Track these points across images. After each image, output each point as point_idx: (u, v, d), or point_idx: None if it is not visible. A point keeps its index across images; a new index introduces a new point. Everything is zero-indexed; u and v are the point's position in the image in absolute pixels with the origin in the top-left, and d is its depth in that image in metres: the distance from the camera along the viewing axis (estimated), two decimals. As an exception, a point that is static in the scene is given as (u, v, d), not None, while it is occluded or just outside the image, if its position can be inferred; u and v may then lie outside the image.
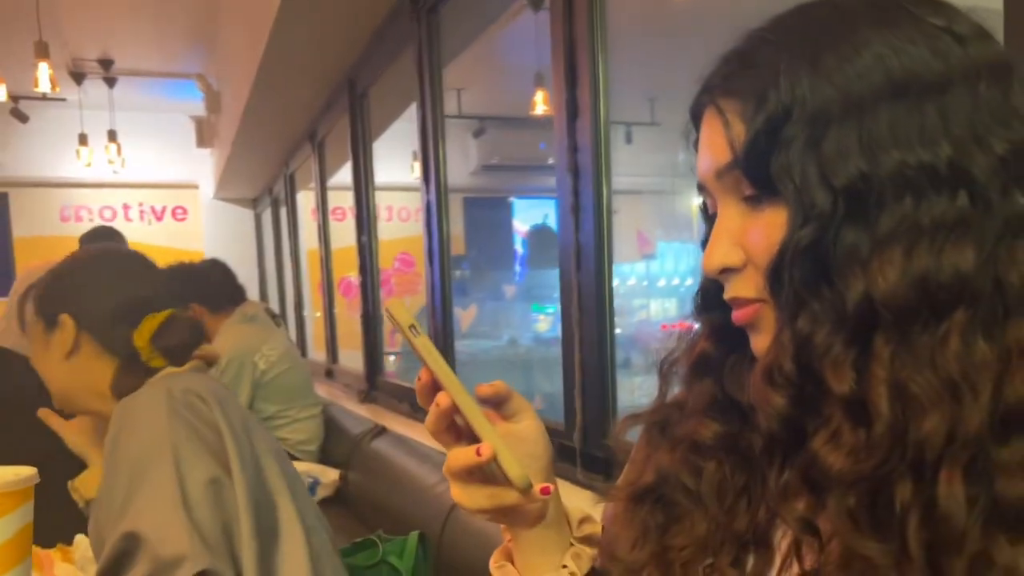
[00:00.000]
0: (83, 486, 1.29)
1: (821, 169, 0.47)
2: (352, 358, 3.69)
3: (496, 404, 0.62)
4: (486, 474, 0.58)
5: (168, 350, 1.21)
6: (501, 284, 5.43)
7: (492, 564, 0.68)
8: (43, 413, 1.30)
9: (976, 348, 0.45)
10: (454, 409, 0.57)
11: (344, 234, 3.72)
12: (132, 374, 1.19)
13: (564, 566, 0.64)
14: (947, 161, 0.45)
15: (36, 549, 1.09)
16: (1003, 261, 0.45)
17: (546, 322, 4.44)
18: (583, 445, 1.62)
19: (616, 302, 1.60)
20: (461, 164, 5.53)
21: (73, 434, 1.31)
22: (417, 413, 2.59)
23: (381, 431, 2.52)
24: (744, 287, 0.54)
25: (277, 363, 2.77)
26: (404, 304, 0.56)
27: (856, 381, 0.47)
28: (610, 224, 1.52)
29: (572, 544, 0.65)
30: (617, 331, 1.59)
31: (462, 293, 4.62)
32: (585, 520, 0.68)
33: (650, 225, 5.39)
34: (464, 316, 4.36)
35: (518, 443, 0.61)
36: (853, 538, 0.47)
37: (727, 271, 0.54)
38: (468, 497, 0.58)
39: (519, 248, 6.30)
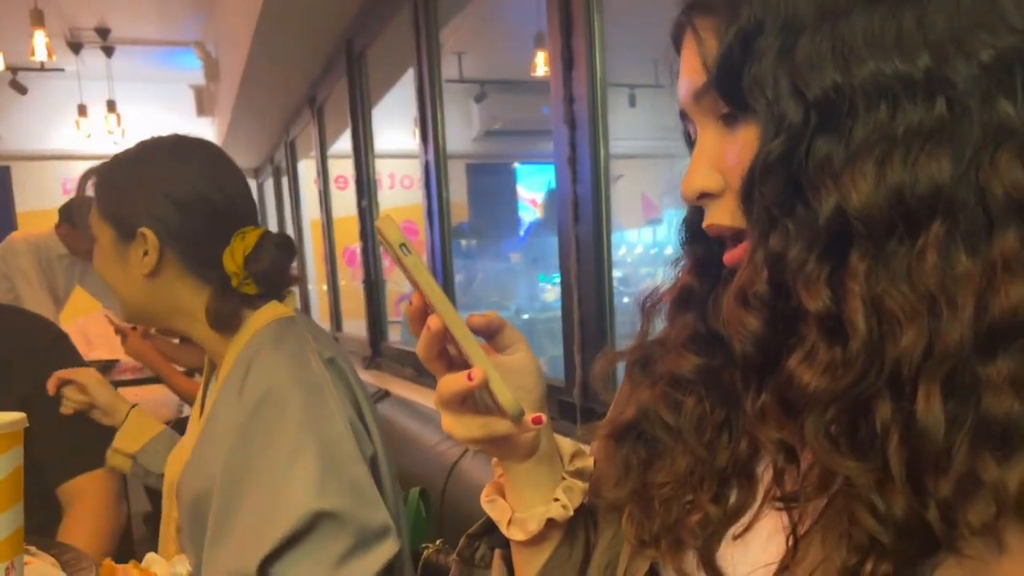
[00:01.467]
0: (125, 442, 1.27)
1: (793, 80, 0.46)
2: (357, 327, 3.69)
3: (488, 335, 0.61)
4: (478, 403, 0.57)
5: (262, 275, 1.05)
6: (506, 251, 5.41)
7: (483, 498, 0.67)
8: (63, 373, 1.25)
9: (957, 261, 0.43)
10: (445, 334, 0.55)
11: (347, 203, 3.69)
12: (228, 300, 1.06)
13: (556, 499, 0.63)
14: (925, 70, 0.44)
15: (111, 563, 1.04)
16: (985, 171, 0.44)
17: (553, 292, 4.41)
18: (583, 401, 1.62)
19: (624, 270, 1.58)
20: (463, 130, 5.48)
21: (101, 387, 1.28)
22: (421, 377, 2.59)
23: (385, 395, 2.52)
24: (722, 214, 0.53)
25: None
26: (395, 222, 0.54)
27: (831, 299, 0.45)
28: (607, 176, 1.50)
29: (564, 478, 0.65)
30: (624, 300, 1.57)
31: (466, 260, 4.60)
32: (577, 454, 0.67)
33: (656, 190, 5.34)
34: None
35: (511, 375, 0.60)
36: (831, 458, 0.46)
37: (706, 196, 0.53)
38: (460, 426, 0.57)
39: (523, 215, 6.27)
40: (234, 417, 0.99)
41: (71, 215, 3.35)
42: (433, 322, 0.55)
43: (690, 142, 0.58)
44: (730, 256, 0.53)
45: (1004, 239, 0.43)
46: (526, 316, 4.34)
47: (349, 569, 0.92)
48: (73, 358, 1.41)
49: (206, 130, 6.06)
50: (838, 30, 0.45)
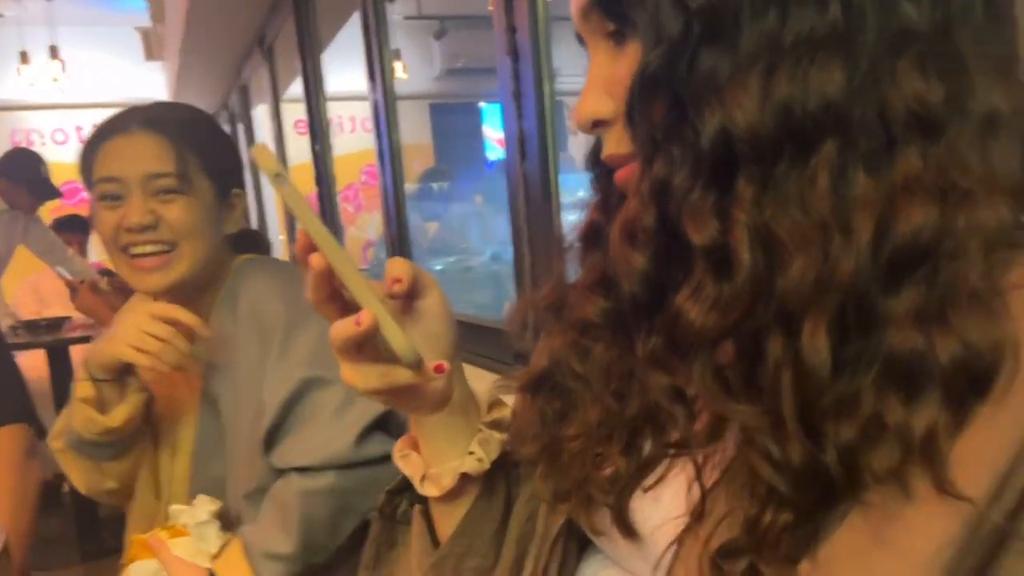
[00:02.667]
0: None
1: None
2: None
3: (404, 294, 0.55)
4: (377, 351, 0.52)
5: None
6: (473, 195, 5.31)
7: (395, 453, 0.63)
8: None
9: (855, 183, 0.40)
10: (332, 275, 0.50)
11: (306, 148, 3.59)
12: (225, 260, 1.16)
13: (471, 452, 0.60)
14: None
15: (137, 537, 1.07)
16: (884, 83, 0.40)
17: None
18: (534, 346, 1.58)
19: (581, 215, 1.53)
20: (423, 68, 5.33)
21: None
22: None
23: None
24: (617, 142, 0.48)
25: None
26: (269, 150, 0.49)
27: (718, 230, 0.41)
28: (553, 110, 1.43)
29: (480, 430, 0.61)
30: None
31: (434, 204, 4.51)
32: (495, 404, 0.63)
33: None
34: (429, 229, 4.26)
35: (419, 320, 0.56)
36: (721, 402, 0.43)
37: (599, 125, 0.49)
38: (359, 376, 0.52)
39: (492, 156, 6.16)
40: (234, 340, 1.10)
41: (8, 169, 3.21)
42: (315, 261, 0.49)
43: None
44: (620, 175, 0.49)
45: (906, 158, 0.40)
46: (504, 261, 4.27)
47: (345, 415, 1.03)
48: None
49: (156, 75, 5.86)
50: None
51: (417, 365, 0.50)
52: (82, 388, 1.07)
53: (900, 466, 0.39)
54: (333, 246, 0.49)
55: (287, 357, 1.05)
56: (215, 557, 1.05)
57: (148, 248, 1.04)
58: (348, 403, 1.03)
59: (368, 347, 0.51)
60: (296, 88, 3.78)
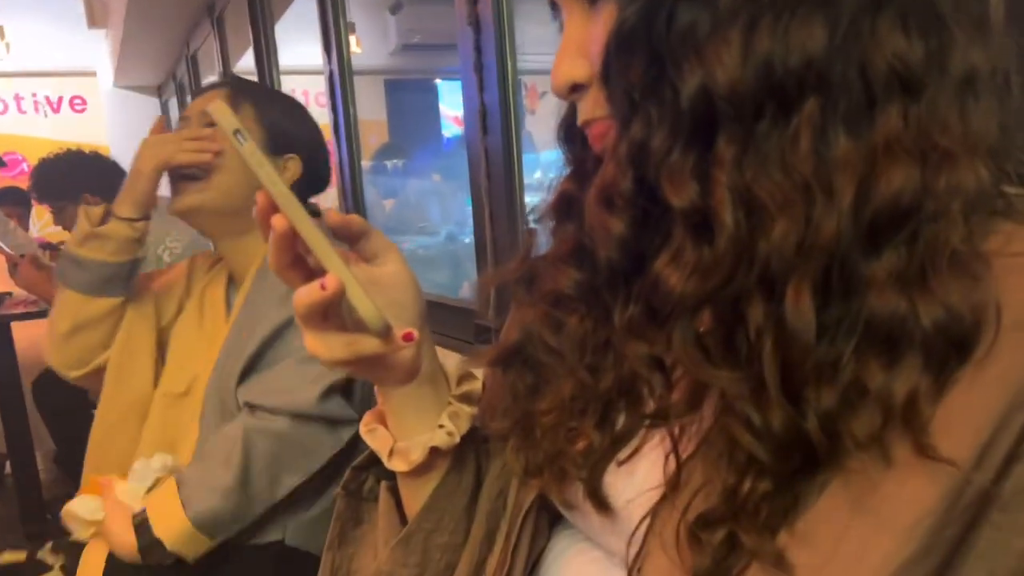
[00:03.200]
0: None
1: None
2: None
3: (350, 239, 0.54)
4: (343, 319, 0.50)
5: None
6: (430, 173, 5.25)
7: (362, 427, 0.61)
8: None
9: (836, 144, 0.39)
10: (295, 238, 0.48)
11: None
12: None
13: (440, 426, 0.58)
14: None
15: (95, 477, 1.12)
16: (865, 41, 0.39)
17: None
18: (498, 323, 1.57)
19: (541, 195, 1.51)
20: (379, 44, 5.23)
21: None
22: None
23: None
24: (594, 106, 0.47)
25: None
26: (227, 107, 0.46)
27: (698, 192, 0.40)
28: (516, 83, 1.41)
29: (450, 403, 0.60)
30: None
31: (389, 181, 4.44)
32: (465, 377, 0.62)
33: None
34: (386, 206, 4.21)
35: (383, 289, 0.54)
36: (701, 369, 0.42)
37: (576, 90, 0.48)
38: (324, 346, 0.50)
39: (448, 134, 6.09)
40: (266, 305, 1.18)
41: None
42: (278, 222, 0.47)
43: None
44: (594, 134, 0.48)
45: (887, 118, 0.39)
46: (463, 240, 4.24)
47: (312, 366, 1.09)
48: None
49: (99, 44, 5.64)
50: None
51: (385, 333, 0.49)
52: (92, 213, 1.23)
53: (881, 432, 0.38)
54: (296, 208, 0.47)
55: (270, 299, 1.14)
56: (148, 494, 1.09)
57: (189, 171, 1.20)
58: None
59: (334, 315, 0.49)
60: (247, 60, 3.68)
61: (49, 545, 1.19)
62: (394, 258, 0.55)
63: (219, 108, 0.46)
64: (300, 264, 0.50)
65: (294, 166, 1.24)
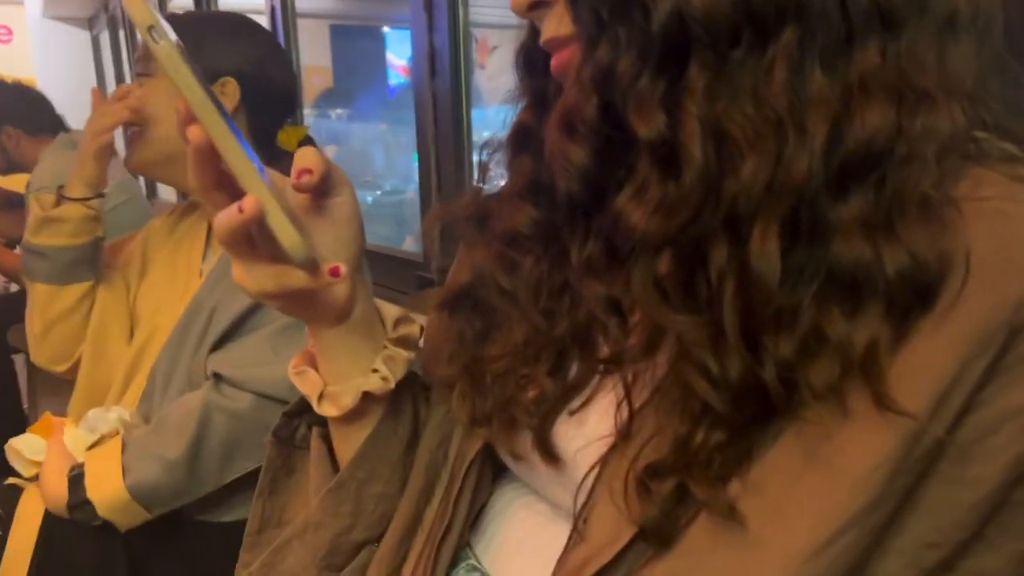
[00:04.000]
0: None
1: None
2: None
3: (313, 190, 0.49)
4: (273, 251, 0.46)
5: None
6: (376, 124, 5.13)
7: (291, 369, 0.58)
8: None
9: (812, 79, 0.37)
10: (213, 149, 0.43)
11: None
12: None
13: (375, 370, 0.55)
14: None
15: (50, 416, 1.09)
16: None
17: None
18: (441, 277, 1.54)
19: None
20: (325, -15, 5.06)
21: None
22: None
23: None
24: (559, 24, 0.45)
25: (111, 195, 2.49)
26: (144, 1, 0.41)
27: (666, 124, 0.38)
28: (467, 25, 1.36)
29: (385, 346, 0.56)
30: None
31: (333, 131, 4.33)
32: (402, 320, 0.58)
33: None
34: (328, 153, 4.11)
35: (326, 221, 0.50)
36: (660, 312, 0.40)
37: (537, 6, 0.45)
38: (250, 278, 0.47)
39: (395, 84, 5.95)
40: None
41: None
42: (195, 134, 0.43)
43: None
44: (556, 61, 0.45)
45: (865, 54, 0.38)
46: (407, 194, 4.17)
47: (288, 342, 1.04)
48: None
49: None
50: None
51: (309, 265, 0.45)
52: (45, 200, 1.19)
53: (839, 381, 0.37)
54: (215, 119, 0.42)
55: None
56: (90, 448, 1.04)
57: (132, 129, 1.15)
58: (296, 328, 1.03)
59: (262, 245, 0.46)
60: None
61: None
62: (344, 190, 0.51)
63: (133, 3, 0.41)
64: (225, 185, 0.46)
65: (231, 90, 1.13)
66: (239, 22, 1.19)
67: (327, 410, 0.55)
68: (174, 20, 1.16)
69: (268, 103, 1.17)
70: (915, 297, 0.37)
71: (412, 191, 4.22)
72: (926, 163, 0.37)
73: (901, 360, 0.37)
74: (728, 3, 0.37)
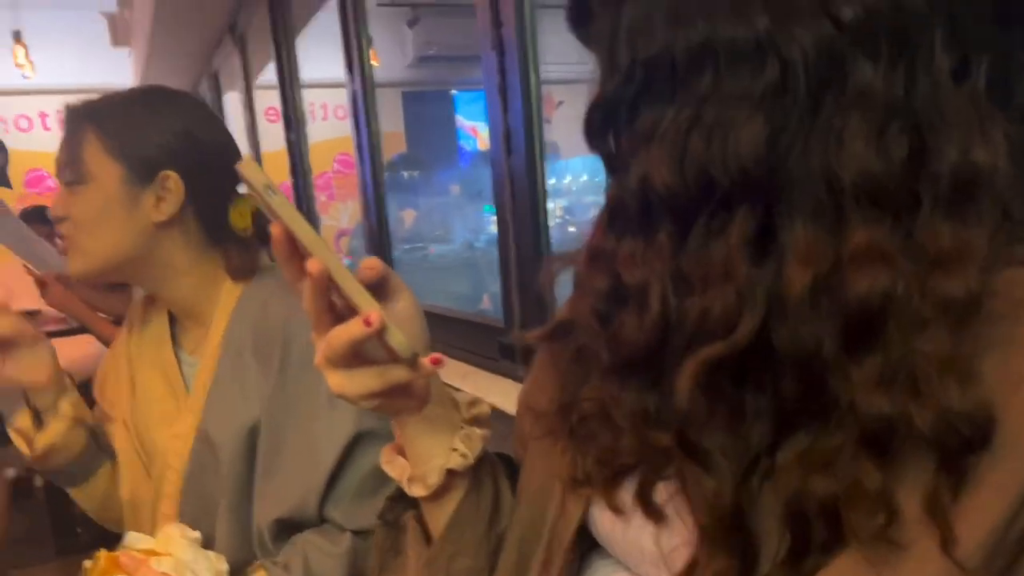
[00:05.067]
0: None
1: (627, 39, 0.44)
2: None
3: (376, 284, 0.56)
4: (369, 354, 0.52)
5: (264, 234, 1.01)
6: (447, 183, 5.28)
7: (383, 461, 0.64)
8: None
9: (792, 240, 0.41)
10: (330, 281, 0.50)
11: (280, 136, 3.55)
12: (249, 251, 1.04)
13: (454, 449, 0.60)
14: (763, 33, 0.40)
15: (107, 553, 0.94)
16: (831, 146, 0.40)
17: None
18: (522, 341, 1.58)
19: (568, 199, 1.54)
20: (396, 56, 5.28)
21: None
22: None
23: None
24: None
25: None
26: (255, 163, 0.49)
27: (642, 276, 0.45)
28: (539, 105, 1.43)
29: (462, 427, 0.62)
30: (571, 230, 1.52)
31: (406, 193, 4.48)
32: (474, 402, 0.64)
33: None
34: (405, 218, 4.24)
35: (397, 323, 0.55)
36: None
37: None
38: (353, 382, 0.52)
39: (464, 145, 6.12)
40: (261, 364, 0.99)
41: None
42: (314, 266, 0.49)
43: None
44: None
45: (856, 226, 0.40)
46: (478, 246, 4.26)
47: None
48: None
49: (123, 62, 5.73)
50: None
51: (415, 360, 0.51)
52: (20, 417, 1.01)
53: (883, 530, 0.39)
54: (329, 252, 0.49)
55: (335, 404, 0.95)
56: None
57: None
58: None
59: (362, 353, 0.52)
60: (268, 75, 3.73)
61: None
62: (404, 294, 0.57)
63: (249, 167, 0.48)
64: (332, 307, 0.52)
65: (174, 185, 0.96)
66: (170, 99, 1.02)
67: (416, 491, 0.61)
68: (91, 109, 0.98)
69: (211, 179, 1.00)
70: (965, 445, 0.37)
71: (483, 242, 4.33)
72: (938, 328, 0.39)
73: (961, 505, 0.38)
74: (683, 180, 0.42)
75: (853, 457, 0.40)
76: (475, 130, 6.13)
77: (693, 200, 0.41)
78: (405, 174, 4.59)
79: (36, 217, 3.68)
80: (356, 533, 0.97)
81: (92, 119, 0.97)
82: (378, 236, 2.39)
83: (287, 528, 0.99)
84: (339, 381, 0.52)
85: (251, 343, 1.00)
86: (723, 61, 0.40)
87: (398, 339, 0.50)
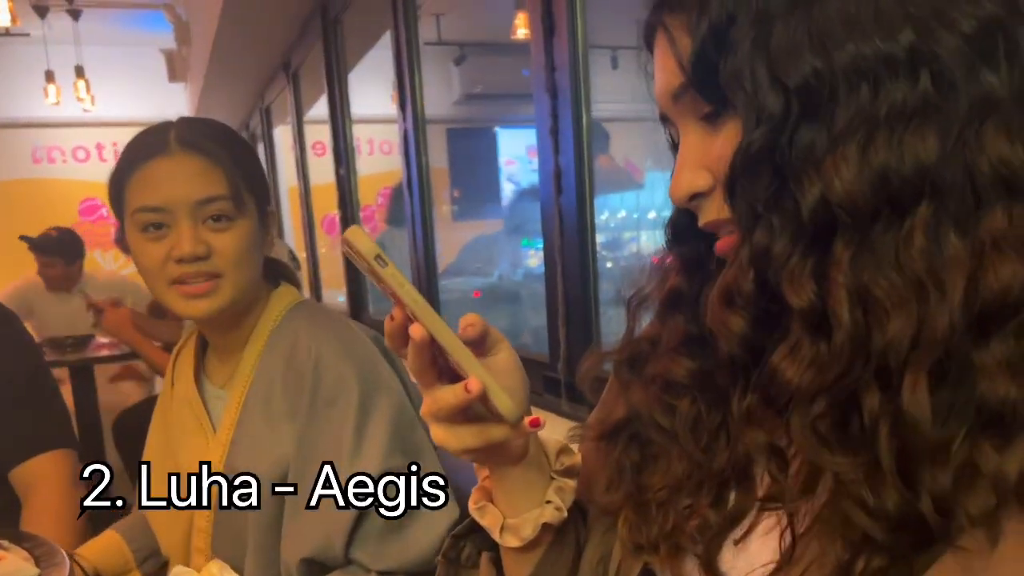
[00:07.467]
0: None
1: (771, 70, 0.44)
2: (336, 297, 3.64)
3: (476, 341, 0.57)
4: (471, 412, 0.54)
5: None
6: (488, 218, 5.33)
7: (472, 505, 0.64)
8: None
9: (947, 243, 0.42)
10: (433, 344, 0.52)
11: (325, 170, 3.63)
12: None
13: (548, 501, 0.61)
14: (908, 47, 0.42)
15: None
16: (972, 147, 0.42)
17: (537, 257, 4.35)
18: (567, 376, 1.59)
19: (607, 235, 1.56)
20: (443, 94, 5.37)
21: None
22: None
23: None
24: (716, 209, 0.51)
25: None
26: (365, 231, 0.49)
27: (816, 293, 0.43)
28: (590, 147, 1.45)
29: (553, 478, 0.62)
30: (608, 265, 1.53)
31: (450, 226, 4.54)
32: (563, 451, 0.64)
33: (639, 155, 5.29)
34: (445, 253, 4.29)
35: (497, 376, 0.56)
36: (819, 454, 0.44)
37: (696, 197, 0.51)
38: (454, 437, 0.54)
39: (504, 180, 6.18)
40: (290, 399, 1.00)
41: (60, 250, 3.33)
42: (416, 331, 0.51)
43: (673, 145, 0.56)
44: (721, 244, 0.51)
45: (992, 217, 0.41)
46: (515, 279, 4.28)
47: (433, 518, 0.98)
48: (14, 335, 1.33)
49: (179, 96, 5.93)
50: (813, 14, 0.43)
51: (518, 424, 0.53)
52: None
53: (995, 511, 0.40)
54: (434, 317, 0.50)
55: (361, 442, 0.96)
56: None
57: (199, 278, 0.97)
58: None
59: (466, 410, 0.53)
60: (316, 110, 3.83)
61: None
62: (504, 347, 0.58)
63: (359, 237, 0.48)
64: (435, 365, 0.54)
65: (273, 220, 1.07)
66: (231, 131, 1.07)
67: (509, 541, 0.61)
68: (207, 131, 1.02)
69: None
70: None
71: (520, 275, 4.36)
72: None
73: None
74: (868, 188, 0.42)
75: (966, 443, 0.41)
76: (516, 165, 6.19)
77: (872, 207, 0.42)
78: (446, 208, 4.64)
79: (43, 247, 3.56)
80: (381, 574, 0.97)
81: (230, 155, 0.99)
82: (426, 271, 2.43)
83: (315, 568, 0.99)
84: (442, 435, 0.54)
85: (281, 377, 1.01)
86: (878, 75, 0.42)
87: (505, 404, 0.51)
